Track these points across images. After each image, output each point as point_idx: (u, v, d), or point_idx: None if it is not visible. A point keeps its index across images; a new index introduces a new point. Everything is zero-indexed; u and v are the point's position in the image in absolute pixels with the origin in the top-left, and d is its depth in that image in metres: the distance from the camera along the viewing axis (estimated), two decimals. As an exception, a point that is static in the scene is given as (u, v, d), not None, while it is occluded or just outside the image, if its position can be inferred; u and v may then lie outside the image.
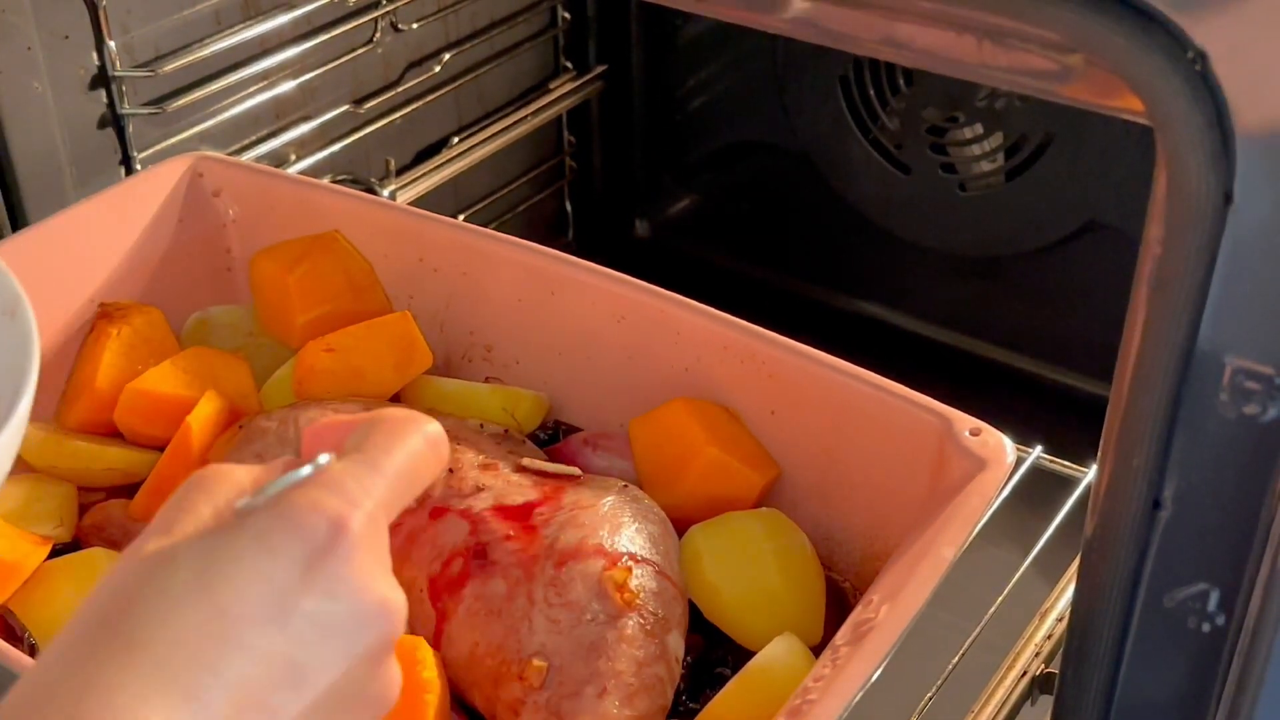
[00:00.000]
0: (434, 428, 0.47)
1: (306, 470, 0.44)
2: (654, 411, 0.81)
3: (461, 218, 1.31)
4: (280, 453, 0.78)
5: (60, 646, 0.41)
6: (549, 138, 1.44)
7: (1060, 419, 1.07)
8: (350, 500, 0.43)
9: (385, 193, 1.22)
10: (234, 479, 0.44)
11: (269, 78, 1.13)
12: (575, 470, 0.78)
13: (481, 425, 0.81)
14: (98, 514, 0.82)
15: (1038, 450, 0.87)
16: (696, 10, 0.52)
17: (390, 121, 1.24)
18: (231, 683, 0.39)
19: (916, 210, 1.31)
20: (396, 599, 0.44)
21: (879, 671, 0.62)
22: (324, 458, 0.44)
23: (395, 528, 0.73)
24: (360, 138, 1.22)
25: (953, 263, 1.32)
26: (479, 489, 0.74)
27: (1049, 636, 0.77)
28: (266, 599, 0.40)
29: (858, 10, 0.46)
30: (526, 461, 0.77)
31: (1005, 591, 0.80)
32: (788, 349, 0.80)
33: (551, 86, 1.40)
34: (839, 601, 0.77)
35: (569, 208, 1.50)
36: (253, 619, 0.40)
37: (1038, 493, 0.86)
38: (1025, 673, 0.76)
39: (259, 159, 1.12)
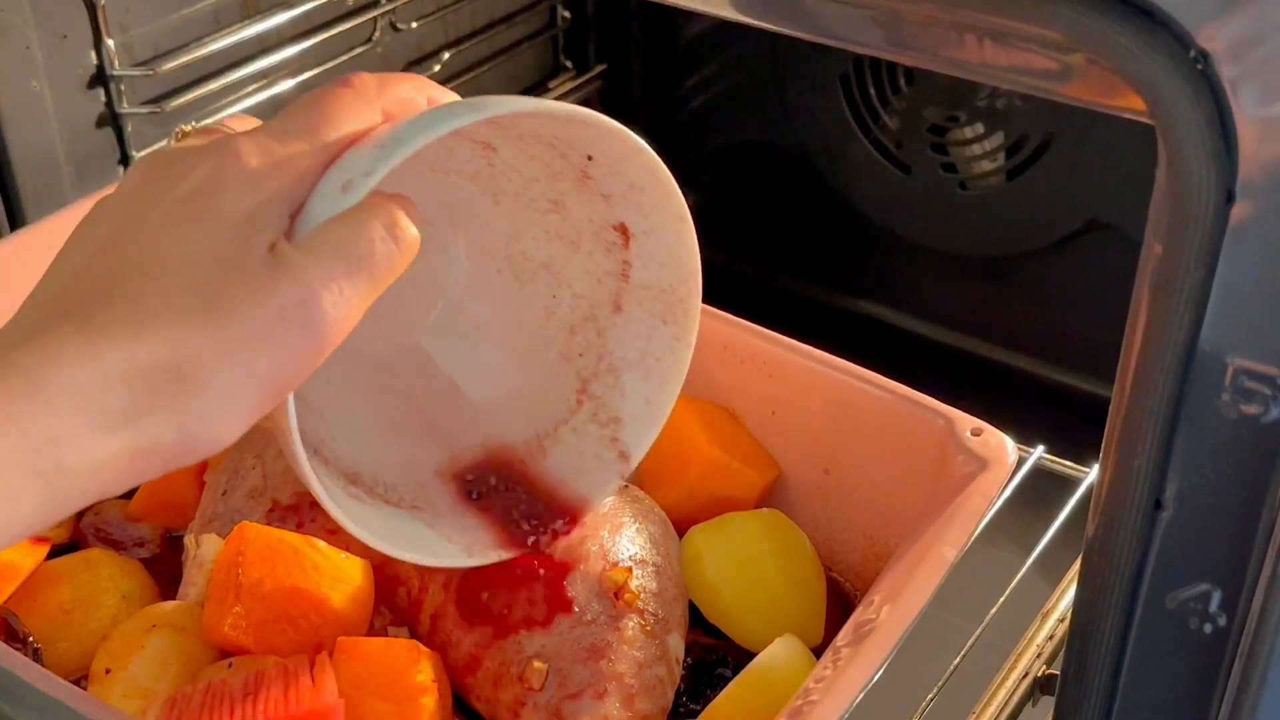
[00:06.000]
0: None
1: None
2: (654, 412, 0.81)
3: (461, 217, 1.31)
4: (279, 452, 0.78)
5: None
6: (549, 137, 1.44)
7: (1062, 419, 1.07)
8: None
9: (385, 193, 1.21)
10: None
11: (268, 77, 1.12)
12: None
13: (481, 425, 0.81)
14: (96, 514, 0.82)
15: (1039, 450, 0.87)
16: (697, 10, 0.52)
17: (390, 121, 1.24)
18: None
19: (917, 210, 1.30)
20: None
21: (880, 672, 0.62)
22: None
23: (395, 528, 0.73)
24: (360, 137, 1.22)
25: (953, 262, 1.32)
26: (479, 489, 0.74)
27: (1050, 637, 0.77)
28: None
29: (858, 10, 0.46)
30: None
31: (1007, 592, 0.79)
32: (788, 349, 0.79)
33: (551, 86, 1.40)
34: (840, 602, 0.77)
35: (569, 208, 1.49)
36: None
37: (1039, 493, 0.85)
38: (1027, 674, 0.75)
39: (258, 159, 1.12)
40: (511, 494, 0.69)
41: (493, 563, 0.68)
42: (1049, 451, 0.88)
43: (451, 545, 0.66)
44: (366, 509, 0.65)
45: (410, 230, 0.50)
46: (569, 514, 0.69)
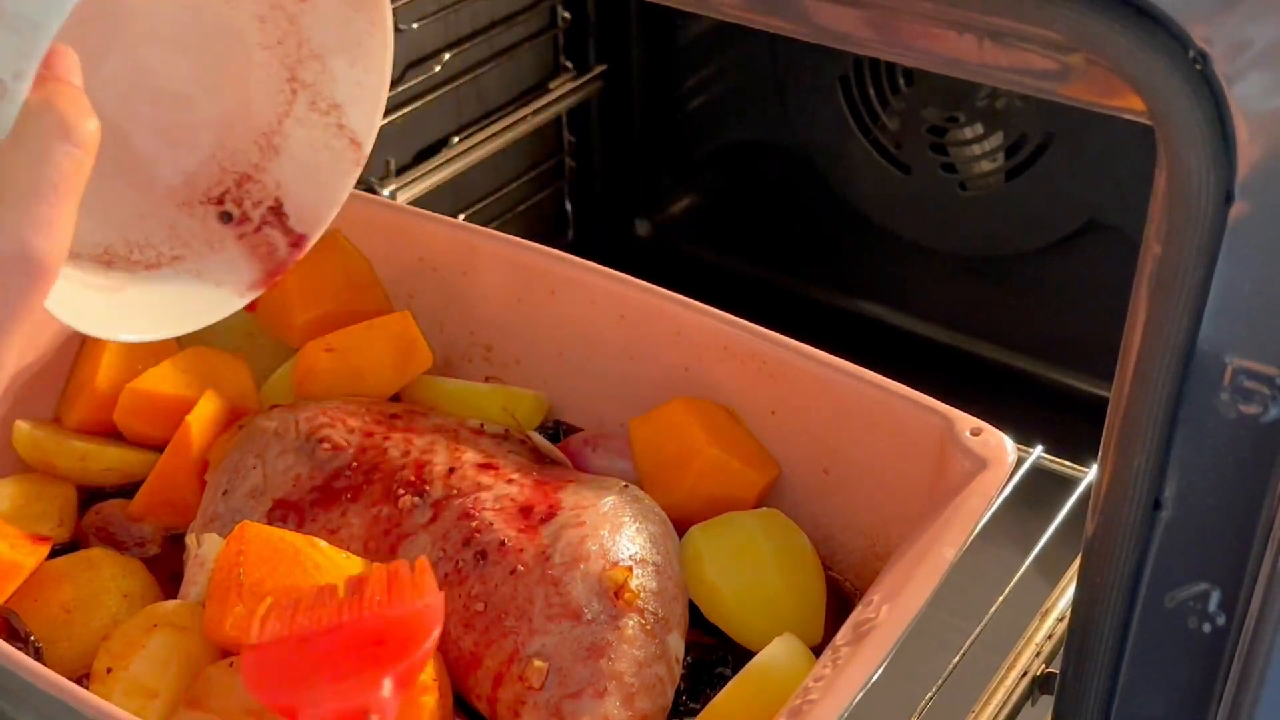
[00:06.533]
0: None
1: None
2: (654, 411, 0.81)
3: (461, 217, 1.31)
4: (280, 452, 0.78)
5: None
6: (549, 137, 1.44)
7: (1061, 419, 1.07)
8: None
9: (385, 192, 1.21)
10: None
11: (269, 77, 1.12)
12: (566, 461, 0.80)
13: (481, 425, 0.81)
14: (98, 514, 0.82)
15: (1038, 450, 0.87)
16: (697, 10, 0.52)
17: (390, 121, 1.24)
18: None
19: (917, 210, 1.30)
20: None
21: (879, 672, 0.62)
22: None
23: (394, 527, 0.73)
24: (360, 137, 1.21)
25: (953, 262, 1.32)
26: (479, 489, 0.74)
27: (1050, 636, 0.77)
28: None
29: (858, 10, 0.46)
30: (532, 434, 0.81)
31: (1006, 591, 0.79)
32: (788, 349, 0.79)
33: (551, 86, 1.40)
34: (840, 601, 0.77)
35: (569, 208, 1.49)
36: None
37: (1038, 493, 0.86)
38: (1026, 673, 0.76)
39: (259, 159, 1.12)
40: (259, 208, 0.68)
41: (260, 295, 0.67)
42: (1048, 451, 0.88)
43: (223, 290, 0.66)
44: (130, 297, 0.63)
45: (87, 125, 0.49)
46: (316, 219, 0.68)
